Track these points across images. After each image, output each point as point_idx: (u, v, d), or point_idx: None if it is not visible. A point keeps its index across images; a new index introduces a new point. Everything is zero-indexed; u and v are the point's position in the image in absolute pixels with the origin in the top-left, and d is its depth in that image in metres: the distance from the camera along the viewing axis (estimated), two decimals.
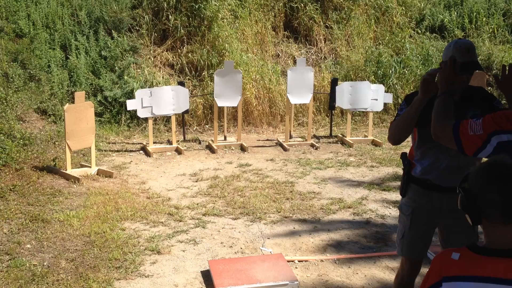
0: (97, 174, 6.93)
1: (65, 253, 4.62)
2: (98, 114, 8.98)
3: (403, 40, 11.71)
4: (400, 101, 10.61)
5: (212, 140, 8.71)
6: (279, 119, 10.12)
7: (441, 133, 2.56)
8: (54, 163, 6.92)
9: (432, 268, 1.90)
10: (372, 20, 12.02)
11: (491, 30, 12.59)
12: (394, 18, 12.25)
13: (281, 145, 8.72)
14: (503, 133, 2.33)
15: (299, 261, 4.61)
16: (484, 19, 12.66)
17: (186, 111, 8.75)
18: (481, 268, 1.80)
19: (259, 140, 9.27)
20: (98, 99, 9.25)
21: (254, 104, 9.94)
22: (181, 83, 8.70)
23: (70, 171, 6.70)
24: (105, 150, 8.18)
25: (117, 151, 8.26)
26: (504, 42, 12.52)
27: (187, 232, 5.18)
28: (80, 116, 6.84)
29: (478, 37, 12.41)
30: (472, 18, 12.66)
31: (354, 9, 11.96)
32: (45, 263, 4.42)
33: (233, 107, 9.43)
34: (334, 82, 9.15)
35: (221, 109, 9.15)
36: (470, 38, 12.43)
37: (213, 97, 8.74)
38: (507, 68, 2.76)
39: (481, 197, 1.85)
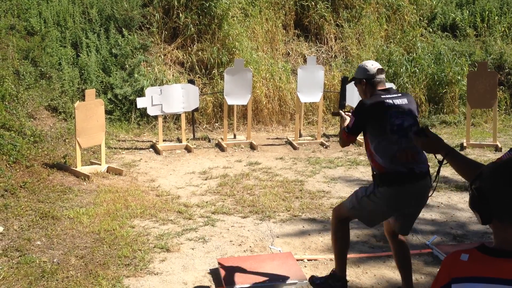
0: (107, 171, 6.95)
1: (74, 250, 4.63)
2: (108, 112, 9.01)
3: (414, 39, 11.63)
4: None
5: (221, 138, 8.71)
6: (289, 117, 10.10)
7: None
8: (65, 160, 6.94)
9: (441, 270, 1.89)
10: (383, 19, 11.95)
11: (503, 29, 12.46)
12: (406, 17, 12.17)
13: (290, 143, 8.69)
14: None
15: (308, 260, 4.59)
16: (496, 18, 12.54)
17: (196, 109, 8.76)
18: (491, 269, 1.78)
19: (269, 138, 9.25)
20: (109, 97, 9.27)
21: (264, 103, 9.93)
22: (191, 81, 8.70)
23: (80, 168, 6.73)
24: (115, 148, 8.21)
25: (127, 148, 8.28)
26: None
27: (196, 230, 5.18)
28: (91, 113, 6.86)
29: (490, 36, 12.30)
30: (484, 17, 12.54)
31: (365, 8, 11.90)
32: (55, 260, 4.43)
33: (243, 106, 9.41)
34: (344, 81, 9.10)
35: (231, 107, 9.14)
36: (482, 37, 12.33)
37: (223, 95, 8.73)
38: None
39: (495, 198, 1.80)
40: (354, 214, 3.64)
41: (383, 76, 3.61)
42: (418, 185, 3.39)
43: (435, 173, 3.01)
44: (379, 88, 3.56)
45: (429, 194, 3.33)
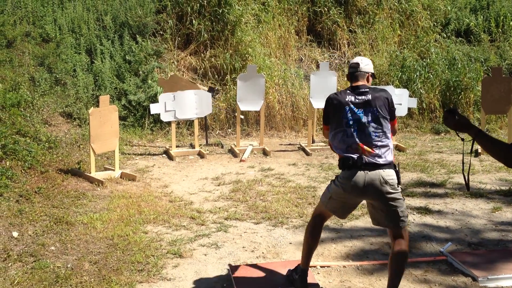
0: (121, 177, 6.99)
1: (88, 255, 4.66)
2: (122, 118, 9.08)
3: (428, 44, 11.57)
4: (424, 105, 10.49)
5: (234, 144, 8.72)
6: (302, 123, 10.09)
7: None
8: (79, 166, 7.00)
9: None
10: (397, 24, 11.92)
11: None
12: (419, 22, 12.12)
13: (303, 149, 8.68)
14: None
15: (321, 266, 4.56)
16: (511, 23, 12.43)
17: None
18: None
19: (282, 144, 9.25)
20: (122, 103, 9.35)
21: (277, 109, 9.93)
22: (211, 89, 8.74)
23: (94, 174, 6.78)
24: (128, 154, 8.26)
25: (140, 154, 8.33)
26: None
27: (209, 236, 5.18)
28: (105, 119, 6.92)
29: (504, 41, 12.20)
30: (499, 22, 12.45)
31: (378, 13, 11.88)
32: (68, 265, 4.46)
33: (255, 111, 9.43)
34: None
35: (243, 113, 9.15)
36: (497, 43, 12.24)
37: (236, 101, 8.75)
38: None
39: None
40: (327, 205, 3.84)
41: (356, 71, 3.82)
42: (368, 176, 3.58)
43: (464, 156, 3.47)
44: (354, 84, 3.82)
45: (466, 184, 3.27)
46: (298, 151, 8.72)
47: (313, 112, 9.10)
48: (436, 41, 11.94)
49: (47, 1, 10.13)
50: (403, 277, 4.28)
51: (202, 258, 4.71)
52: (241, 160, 8.03)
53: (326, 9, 11.65)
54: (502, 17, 12.47)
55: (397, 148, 8.75)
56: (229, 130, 9.82)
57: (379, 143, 3.62)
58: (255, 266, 4.47)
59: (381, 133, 3.65)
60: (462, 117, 2.99)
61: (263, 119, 8.85)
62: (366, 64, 3.85)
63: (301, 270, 4.00)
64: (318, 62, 10.93)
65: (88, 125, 7.01)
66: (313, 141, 8.98)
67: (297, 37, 11.58)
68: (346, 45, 11.63)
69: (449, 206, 6.01)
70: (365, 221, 5.60)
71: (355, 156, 3.61)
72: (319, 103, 8.76)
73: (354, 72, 3.82)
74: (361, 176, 3.59)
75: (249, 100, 8.52)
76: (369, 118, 3.66)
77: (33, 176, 6.32)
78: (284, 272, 4.27)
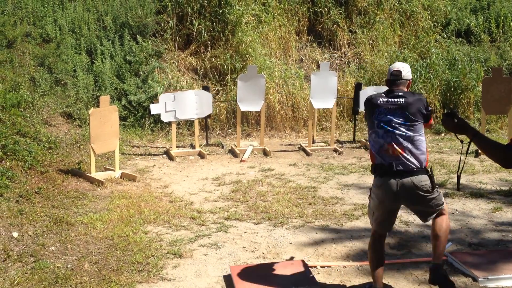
0: (121, 177, 6.99)
1: (88, 255, 4.66)
2: (122, 118, 9.08)
3: (428, 45, 11.57)
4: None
5: (235, 145, 8.71)
6: (302, 123, 10.09)
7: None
8: (79, 166, 7.00)
9: None
10: (397, 25, 11.91)
11: None
12: (419, 23, 12.12)
13: (304, 150, 8.68)
14: None
15: (321, 266, 4.56)
16: (511, 23, 12.42)
17: (208, 116, 8.79)
18: None
19: (282, 144, 9.24)
20: (123, 103, 9.34)
21: (277, 109, 9.93)
22: (205, 88, 8.73)
23: (94, 174, 6.77)
24: (128, 154, 8.26)
25: (141, 154, 8.33)
26: None
27: (209, 236, 5.18)
28: (105, 120, 6.91)
29: (505, 42, 12.20)
30: (499, 22, 12.44)
31: (378, 14, 11.88)
32: (68, 266, 4.46)
33: (256, 112, 9.42)
34: (357, 87, 9.07)
35: (244, 113, 9.15)
36: (497, 43, 12.24)
37: (236, 101, 8.75)
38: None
39: None
40: (373, 224, 3.95)
41: (398, 79, 3.89)
42: (401, 182, 3.67)
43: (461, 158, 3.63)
44: (393, 88, 3.90)
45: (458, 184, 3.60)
46: (299, 151, 8.72)
47: (313, 112, 9.09)
48: (436, 41, 11.94)
49: (47, 1, 10.13)
50: (403, 277, 4.28)
51: (202, 258, 4.71)
52: (241, 161, 8.03)
53: (326, 9, 11.64)
54: (502, 17, 12.46)
55: None
56: (229, 130, 9.82)
57: (410, 145, 3.69)
58: (255, 266, 4.47)
59: (412, 136, 3.71)
60: (460, 120, 3.08)
61: (264, 119, 8.84)
62: (407, 71, 3.94)
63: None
64: (318, 62, 10.93)
65: (88, 126, 7.01)
66: (314, 142, 8.98)
67: (297, 37, 11.58)
68: (347, 46, 11.63)
69: (450, 206, 6.00)
70: (365, 222, 5.59)
71: (384, 162, 3.71)
72: (319, 103, 8.76)
73: (396, 80, 3.89)
74: (393, 184, 3.68)
75: (249, 101, 8.51)
76: (400, 121, 3.73)
77: (33, 176, 6.32)
78: (284, 272, 4.27)
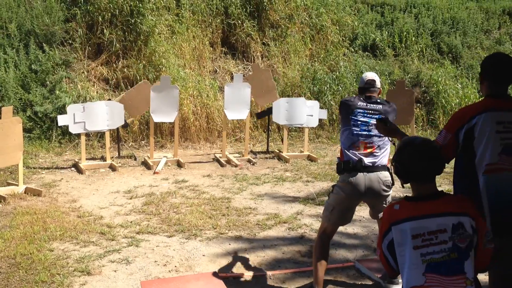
0: (25, 192, 6.64)
1: None
2: (27, 130, 8.66)
3: (337, 58, 12.02)
4: (335, 117, 10.86)
5: (148, 156, 8.56)
6: (217, 134, 10.10)
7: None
8: None
9: (382, 221, 2.78)
10: (308, 38, 12.28)
11: (419, 49, 13.15)
12: (329, 37, 12.57)
13: (218, 160, 8.68)
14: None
15: (233, 278, 4.57)
16: (413, 39, 13.22)
17: (126, 125, 8.59)
18: (416, 210, 2.67)
19: (196, 155, 9.20)
20: (28, 114, 8.92)
21: (192, 120, 9.88)
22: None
23: None
24: (34, 168, 7.87)
25: (47, 168, 7.96)
26: (432, 61, 13.11)
27: (119, 251, 5.04)
28: (7, 132, 6.56)
29: (407, 56, 12.93)
30: (402, 38, 13.18)
31: (290, 27, 12.19)
32: None
33: (170, 123, 9.32)
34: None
35: (157, 124, 9.01)
36: (400, 57, 12.94)
37: (149, 112, 8.61)
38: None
39: (411, 168, 2.79)
40: (330, 219, 4.15)
41: (372, 87, 4.27)
42: (368, 177, 4.02)
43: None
44: (367, 94, 4.26)
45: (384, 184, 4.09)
46: (213, 162, 8.72)
47: (227, 123, 9.14)
48: (344, 55, 12.43)
49: None
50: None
51: (111, 274, 4.56)
52: (154, 172, 7.90)
53: (240, 21, 11.78)
54: (405, 33, 13.22)
55: (309, 158, 8.98)
56: (142, 142, 9.63)
57: (381, 144, 4.11)
58: (167, 280, 4.40)
59: (382, 138, 4.10)
60: (392, 124, 3.70)
61: (177, 131, 8.76)
62: (379, 80, 4.35)
63: None
64: (232, 74, 11.01)
65: None
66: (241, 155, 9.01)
67: (211, 48, 11.61)
68: (260, 58, 11.81)
69: (357, 213, 6.21)
70: (277, 231, 5.69)
71: (355, 159, 4.03)
72: (233, 115, 8.82)
73: (369, 88, 4.25)
74: (361, 178, 4.01)
75: (163, 112, 8.40)
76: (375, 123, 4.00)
77: None
78: (196, 285, 4.23)
